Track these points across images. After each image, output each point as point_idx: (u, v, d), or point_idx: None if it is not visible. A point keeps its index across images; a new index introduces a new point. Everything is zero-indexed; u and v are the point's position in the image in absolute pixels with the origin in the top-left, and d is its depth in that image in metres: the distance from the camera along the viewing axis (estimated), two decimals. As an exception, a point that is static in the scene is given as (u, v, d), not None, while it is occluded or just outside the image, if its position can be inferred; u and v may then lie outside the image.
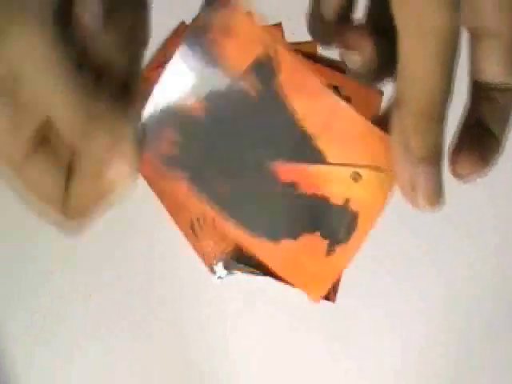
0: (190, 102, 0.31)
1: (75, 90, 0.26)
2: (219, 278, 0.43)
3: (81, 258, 0.64)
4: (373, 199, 0.32)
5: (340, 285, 0.42)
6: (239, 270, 0.42)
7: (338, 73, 0.44)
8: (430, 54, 0.28)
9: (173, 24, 0.50)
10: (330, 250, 0.33)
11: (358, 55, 0.30)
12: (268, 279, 0.43)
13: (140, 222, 0.63)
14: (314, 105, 0.32)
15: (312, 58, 0.44)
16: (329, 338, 0.61)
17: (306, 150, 0.32)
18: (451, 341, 0.60)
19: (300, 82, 0.31)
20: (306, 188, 0.32)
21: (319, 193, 0.32)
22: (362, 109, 0.32)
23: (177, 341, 0.62)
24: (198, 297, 0.62)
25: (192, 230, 0.41)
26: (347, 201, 0.32)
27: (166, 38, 0.49)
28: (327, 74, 0.45)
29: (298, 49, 0.45)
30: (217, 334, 0.62)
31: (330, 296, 0.42)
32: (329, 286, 0.33)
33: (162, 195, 0.42)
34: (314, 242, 0.33)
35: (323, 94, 0.31)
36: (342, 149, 0.32)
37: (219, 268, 0.43)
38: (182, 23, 0.48)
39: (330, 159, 0.32)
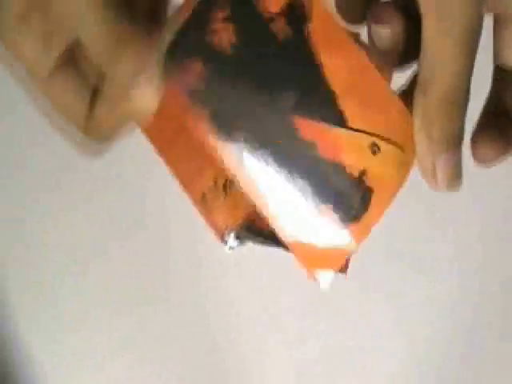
0: (220, 34, 0.30)
1: (106, 9, 0.26)
2: (231, 248, 0.44)
3: (98, 237, 0.64)
4: (389, 177, 0.31)
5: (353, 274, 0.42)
6: (250, 240, 0.42)
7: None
8: (454, 38, 0.28)
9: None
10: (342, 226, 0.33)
11: (388, 28, 0.30)
12: (279, 250, 0.43)
13: (156, 200, 0.64)
14: (341, 61, 0.31)
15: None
16: (337, 319, 0.62)
17: (329, 108, 0.31)
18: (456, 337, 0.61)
19: (329, 33, 0.30)
20: (324, 151, 0.32)
21: (336, 159, 0.32)
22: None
23: (195, 317, 0.63)
24: (214, 269, 0.62)
25: (203, 202, 0.42)
26: (363, 173, 0.31)
27: None
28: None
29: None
30: (231, 309, 0.62)
31: (342, 269, 0.42)
32: (339, 264, 0.34)
33: (174, 166, 0.42)
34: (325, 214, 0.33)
35: (351, 51, 0.30)
36: (364, 114, 0.31)
37: (231, 239, 0.43)
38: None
39: (350, 123, 0.31)
